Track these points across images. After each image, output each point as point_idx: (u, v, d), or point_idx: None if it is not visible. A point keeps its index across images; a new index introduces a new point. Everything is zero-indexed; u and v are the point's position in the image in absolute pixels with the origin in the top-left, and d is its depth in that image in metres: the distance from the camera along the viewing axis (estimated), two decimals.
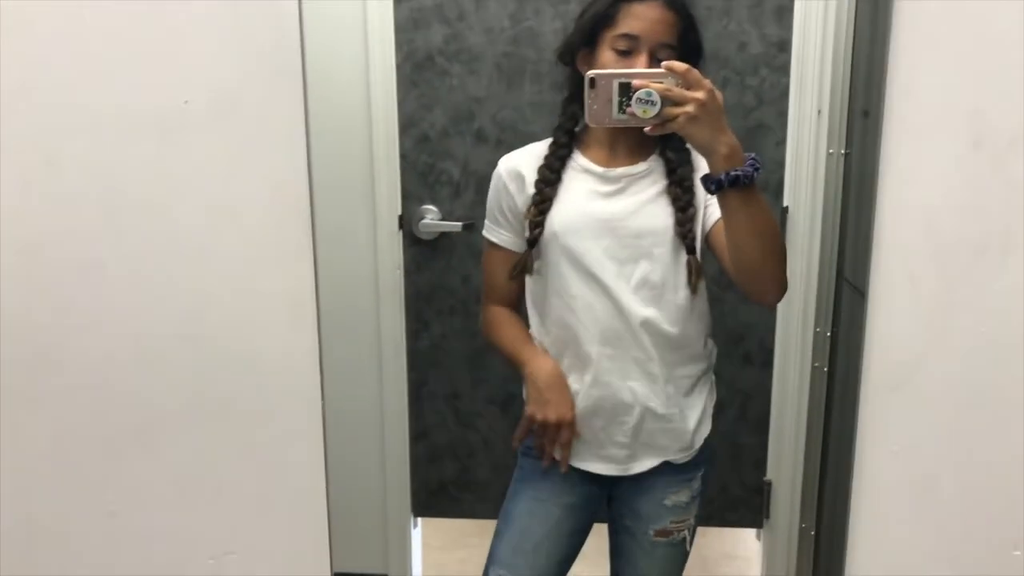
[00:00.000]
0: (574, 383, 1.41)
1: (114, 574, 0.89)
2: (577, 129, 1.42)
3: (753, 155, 1.20)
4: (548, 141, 1.44)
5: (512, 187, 1.43)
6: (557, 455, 1.42)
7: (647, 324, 1.36)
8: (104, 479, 0.89)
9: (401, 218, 2.16)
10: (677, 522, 1.48)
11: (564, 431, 1.39)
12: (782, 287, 1.33)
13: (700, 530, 2.64)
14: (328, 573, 0.90)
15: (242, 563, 0.89)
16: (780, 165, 2.08)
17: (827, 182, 2.01)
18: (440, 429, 2.33)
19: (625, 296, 1.35)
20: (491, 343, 1.50)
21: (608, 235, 1.35)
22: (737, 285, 1.33)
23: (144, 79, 0.82)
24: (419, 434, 2.33)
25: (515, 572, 1.42)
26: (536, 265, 1.42)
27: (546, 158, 1.41)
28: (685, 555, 1.53)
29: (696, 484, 1.50)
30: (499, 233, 1.47)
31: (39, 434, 0.88)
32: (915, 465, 0.75)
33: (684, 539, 1.51)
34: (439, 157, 2.15)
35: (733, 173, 1.17)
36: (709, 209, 1.36)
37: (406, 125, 2.12)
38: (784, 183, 2.09)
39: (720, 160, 1.17)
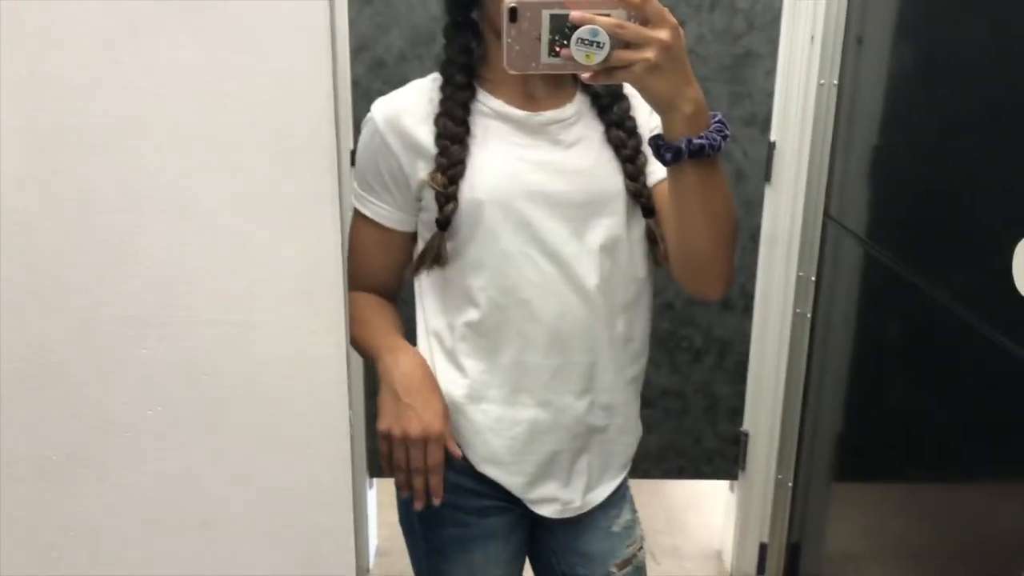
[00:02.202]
0: (505, 406, 1.10)
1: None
2: (473, 63, 1.08)
3: (718, 115, 0.93)
4: (433, 79, 1.10)
5: (396, 145, 1.07)
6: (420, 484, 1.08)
7: (601, 318, 1.08)
8: (41, 516, 0.69)
9: (354, 153, 1.94)
10: (632, 544, 1.24)
11: (432, 449, 1.05)
12: (729, 281, 1.06)
13: (670, 482, 2.60)
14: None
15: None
16: (769, 96, 1.94)
17: (816, 115, 1.88)
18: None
19: (572, 287, 1.06)
20: (352, 339, 1.11)
21: (545, 205, 1.04)
22: (673, 274, 1.07)
23: None
24: (373, 393, 2.16)
25: None
26: (449, 249, 1.07)
27: (444, 104, 1.06)
28: (644, 566, 1.29)
29: (628, 490, 1.26)
30: (375, 205, 1.10)
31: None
32: None
33: (643, 559, 1.27)
34: (396, 85, 1.92)
35: (697, 141, 0.90)
36: (649, 166, 1.10)
37: (358, 49, 1.88)
38: (772, 116, 1.95)
39: (682, 120, 0.89)
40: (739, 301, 2.08)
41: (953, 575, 1.45)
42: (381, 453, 1.10)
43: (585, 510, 1.18)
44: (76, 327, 0.68)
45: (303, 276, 0.68)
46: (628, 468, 1.23)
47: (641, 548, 1.27)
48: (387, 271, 1.15)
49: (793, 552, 2.18)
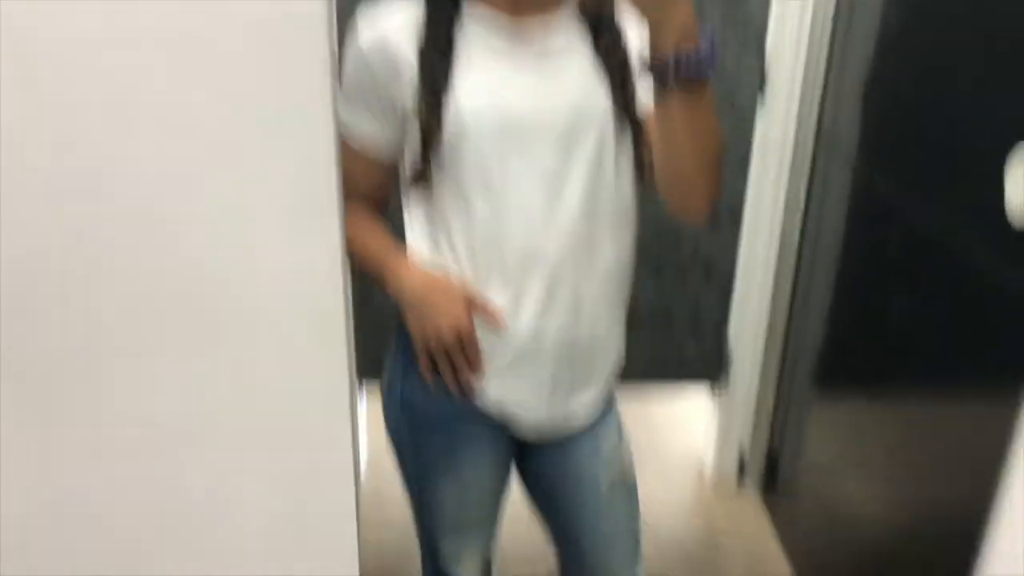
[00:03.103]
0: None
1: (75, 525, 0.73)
2: None
3: (710, 33, 0.90)
4: None
5: (380, 66, 1.04)
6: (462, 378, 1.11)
7: (587, 244, 1.07)
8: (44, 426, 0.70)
9: None
10: (621, 460, 1.26)
11: (468, 344, 1.08)
12: (713, 204, 1.06)
13: (648, 392, 2.66)
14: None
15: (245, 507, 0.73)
16: (763, 17, 1.89)
17: (811, 37, 1.85)
18: (383, 292, 2.17)
19: (559, 210, 1.04)
20: (349, 245, 1.05)
21: (532, 125, 1.02)
22: (659, 193, 1.07)
23: None
24: (363, 298, 2.17)
25: (467, 544, 1.27)
26: (434, 171, 1.06)
27: (428, 22, 1.03)
28: (636, 485, 1.30)
29: (617, 415, 1.27)
30: (360, 116, 1.07)
31: None
32: None
33: (634, 480, 1.29)
34: None
35: (685, 56, 0.87)
36: (638, 87, 1.07)
37: None
38: (767, 30, 1.91)
39: (671, 33, 0.86)
40: (727, 217, 2.08)
41: (929, 484, 1.50)
42: (424, 362, 1.12)
43: (568, 430, 1.20)
44: (70, 239, 0.67)
45: (297, 184, 0.67)
46: (612, 389, 1.24)
47: (631, 468, 1.28)
48: (372, 192, 1.14)
49: (772, 461, 2.26)
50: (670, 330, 2.21)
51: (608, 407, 1.24)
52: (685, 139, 0.96)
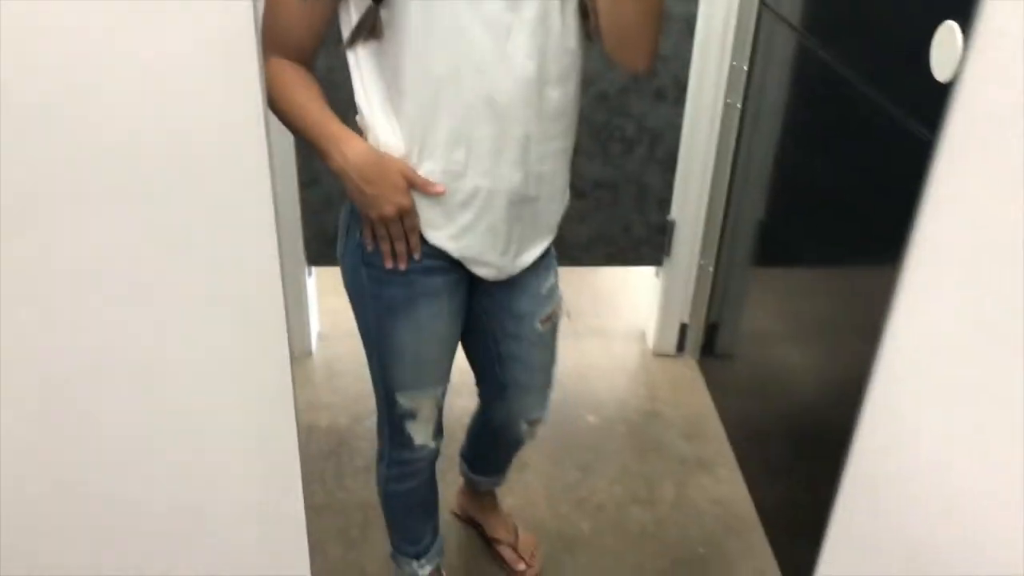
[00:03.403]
0: (445, 175, 1.13)
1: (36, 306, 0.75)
2: None
3: None
4: None
5: None
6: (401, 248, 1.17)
7: (535, 89, 1.10)
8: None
9: None
10: (554, 304, 1.38)
11: (408, 219, 1.14)
12: (654, 57, 1.14)
13: (598, 269, 2.73)
14: (283, 317, 0.78)
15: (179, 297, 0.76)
16: None
17: None
18: (331, 176, 2.15)
19: (509, 57, 1.06)
20: (275, 106, 1.11)
21: None
22: (604, 47, 1.12)
23: None
24: (309, 182, 2.16)
25: (423, 387, 1.33)
26: (384, 21, 1.05)
27: None
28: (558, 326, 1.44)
29: (554, 260, 1.37)
30: None
31: None
32: (976, 243, 0.68)
33: (560, 317, 1.41)
34: None
35: None
36: None
37: None
38: None
39: None
40: (672, 91, 2.09)
41: (859, 352, 1.59)
42: (367, 234, 1.18)
43: (516, 272, 1.27)
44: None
45: (215, 42, 0.67)
46: (555, 233, 1.31)
47: (560, 307, 1.41)
48: (310, 38, 1.12)
49: (711, 331, 2.35)
50: (617, 206, 2.25)
51: (548, 250, 1.33)
52: None
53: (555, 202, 1.26)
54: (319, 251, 2.29)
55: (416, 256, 1.19)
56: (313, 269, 2.38)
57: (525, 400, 1.47)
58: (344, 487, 1.96)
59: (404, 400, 1.34)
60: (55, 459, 0.85)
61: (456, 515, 1.87)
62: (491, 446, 1.64)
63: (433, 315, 1.26)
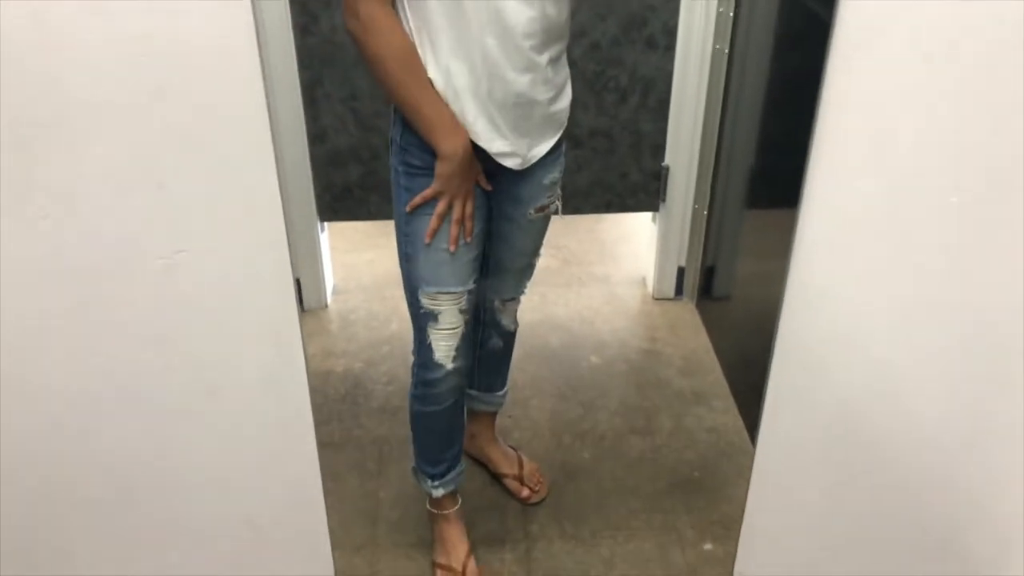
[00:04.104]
0: (471, 79, 1.30)
1: (52, 283, 0.85)
2: None
3: None
4: None
5: None
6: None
7: (533, 8, 1.26)
8: (26, 182, 0.81)
9: None
10: (551, 196, 1.55)
11: (468, 205, 1.40)
12: None
13: (597, 216, 2.82)
14: (288, 259, 0.89)
15: (195, 261, 0.86)
16: None
17: None
18: (340, 132, 2.26)
19: None
20: (393, 82, 1.29)
21: None
22: None
23: None
24: (317, 137, 2.26)
25: (443, 284, 1.46)
26: None
27: None
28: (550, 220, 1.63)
29: (563, 158, 1.54)
30: None
31: None
32: (875, 120, 0.77)
33: (557, 208, 1.59)
34: (609, 65, 2.12)
35: None
36: None
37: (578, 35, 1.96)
38: None
39: None
40: (662, 39, 2.16)
41: None
42: (423, 197, 1.39)
43: (530, 163, 1.45)
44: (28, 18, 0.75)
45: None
46: (564, 128, 1.48)
47: (556, 202, 1.57)
48: None
49: (708, 274, 2.44)
50: (612, 155, 2.34)
51: (559, 146, 1.50)
52: None
53: (560, 101, 1.43)
54: (331, 206, 2.39)
55: (467, 238, 1.43)
56: (325, 225, 2.49)
57: (502, 278, 1.66)
58: (360, 425, 2.08)
59: (426, 300, 1.47)
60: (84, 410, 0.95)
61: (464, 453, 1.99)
62: (477, 341, 1.77)
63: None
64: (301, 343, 0.99)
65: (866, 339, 0.83)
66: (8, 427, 0.95)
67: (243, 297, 0.91)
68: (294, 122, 2.18)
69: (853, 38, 0.75)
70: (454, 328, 1.51)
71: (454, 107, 1.32)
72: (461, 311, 1.50)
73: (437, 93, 1.31)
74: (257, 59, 0.77)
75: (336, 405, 2.14)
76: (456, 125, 1.33)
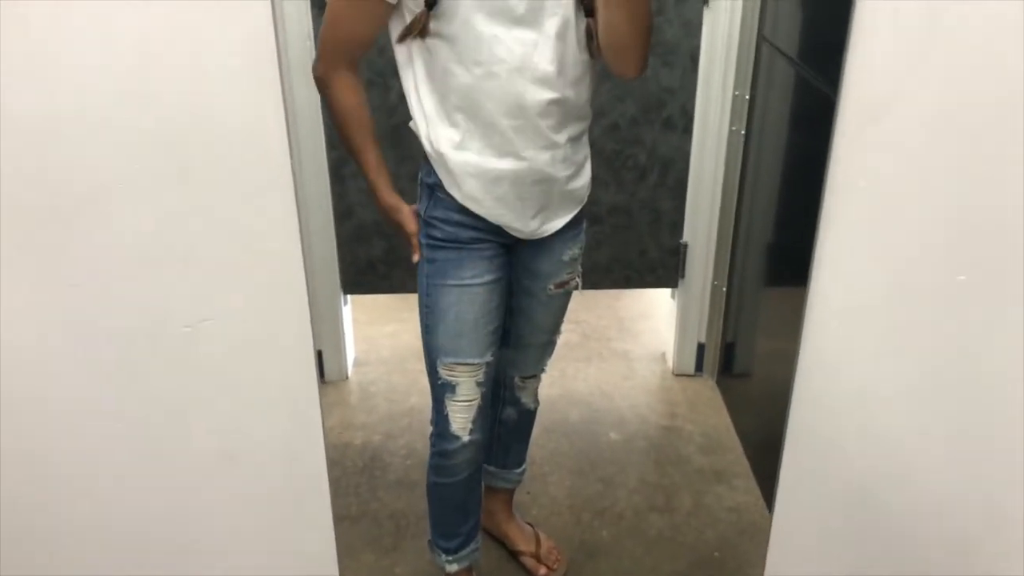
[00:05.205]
0: (482, 156, 1.35)
1: (80, 342, 0.88)
2: None
3: None
4: None
5: None
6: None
7: (554, 90, 1.31)
8: (58, 250, 0.85)
9: None
10: (571, 272, 1.58)
11: (411, 238, 1.48)
12: (644, 66, 1.36)
13: (617, 292, 2.84)
14: (309, 331, 0.91)
15: (219, 329, 0.88)
16: None
17: None
18: (365, 209, 2.32)
19: (535, 64, 1.28)
20: (342, 134, 1.43)
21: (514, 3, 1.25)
22: (603, 58, 1.35)
23: None
24: (344, 214, 2.32)
25: (461, 355, 1.48)
26: (432, 29, 1.27)
27: None
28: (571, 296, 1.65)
29: (583, 235, 1.57)
30: None
31: None
32: (880, 198, 0.79)
33: (577, 284, 1.61)
34: (628, 143, 2.18)
35: None
36: None
37: (598, 115, 2.02)
38: None
39: None
40: (680, 120, 2.22)
41: None
42: (413, 244, 1.48)
43: (544, 235, 1.49)
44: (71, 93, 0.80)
45: (242, 46, 0.80)
46: (583, 204, 1.52)
47: (577, 278, 1.60)
48: (363, 41, 1.37)
49: (727, 351, 2.44)
50: (631, 231, 2.37)
51: (579, 223, 1.53)
52: (621, 12, 1.27)
53: (579, 179, 1.47)
54: (355, 280, 2.44)
55: (416, 258, 1.48)
56: (348, 297, 2.53)
57: (522, 354, 1.67)
58: (377, 499, 2.07)
59: (444, 370, 1.49)
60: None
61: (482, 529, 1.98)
62: (496, 418, 1.77)
63: (476, 275, 1.46)
64: (320, 415, 1.01)
65: (878, 416, 0.84)
66: (25, 484, 0.97)
67: (264, 366, 0.94)
68: (321, 198, 2.24)
69: (856, 118, 0.78)
70: (471, 400, 1.52)
71: (461, 179, 1.38)
72: (478, 383, 1.51)
73: (378, 154, 1.45)
74: (286, 139, 0.81)
75: (354, 478, 2.14)
76: (389, 190, 1.46)
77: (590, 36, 1.33)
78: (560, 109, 1.34)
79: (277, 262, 0.87)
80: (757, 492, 2.08)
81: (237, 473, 0.97)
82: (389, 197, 1.47)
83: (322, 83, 1.39)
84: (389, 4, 1.30)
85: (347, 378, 2.52)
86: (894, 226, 0.79)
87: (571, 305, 1.66)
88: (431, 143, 1.37)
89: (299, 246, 0.85)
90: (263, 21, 0.76)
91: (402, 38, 1.31)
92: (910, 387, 0.84)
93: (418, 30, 1.27)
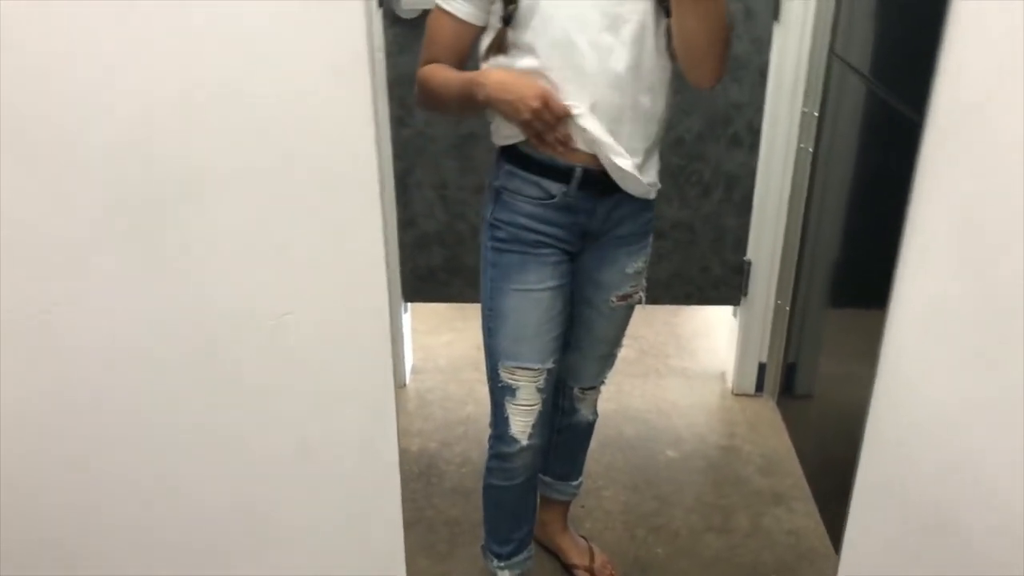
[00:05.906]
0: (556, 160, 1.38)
1: (171, 330, 0.91)
2: None
3: None
4: None
5: None
6: (559, 134, 1.35)
7: (631, 94, 1.33)
8: (157, 239, 0.88)
9: None
10: (635, 286, 1.57)
11: (552, 104, 1.31)
12: (721, 75, 1.35)
13: (675, 309, 2.82)
14: (387, 331, 0.93)
15: (301, 323, 0.91)
16: None
17: None
18: (428, 218, 2.34)
19: (611, 69, 1.31)
20: (430, 96, 1.40)
21: (588, 4, 1.28)
22: (678, 63, 1.35)
23: None
24: (407, 223, 2.35)
25: (522, 360, 1.49)
26: (511, 41, 1.32)
27: None
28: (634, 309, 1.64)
29: (649, 248, 1.56)
30: (455, 2, 1.35)
31: (83, 195, 0.86)
32: (965, 217, 0.77)
33: (641, 299, 1.60)
34: (694, 159, 2.17)
35: None
36: None
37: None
38: None
39: None
40: (747, 137, 2.20)
41: None
42: (530, 137, 1.36)
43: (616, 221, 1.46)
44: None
45: (336, 46, 0.82)
46: (649, 203, 1.50)
47: (640, 292, 1.58)
48: (456, 59, 1.39)
49: (789, 371, 2.40)
50: (694, 247, 2.36)
51: (646, 236, 1.53)
52: (695, 19, 1.26)
53: (648, 182, 1.44)
54: (415, 288, 2.46)
55: (565, 146, 1.36)
56: (408, 305, 2.55)
57: (582, 366, 1.66)
58: (433, 505, 2.08)
59: (505, 374, 1.50)
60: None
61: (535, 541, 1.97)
62: (555, 428, 1.76)
63: (539, 280, 1.46)
64: (394, 412, 1.02)
65: (960, 436, 0.82)
66: (110, 467, 1.00)
67: (343, 362, 0.95)
68: (386, 208, 2.27)
69: (946, 128, 0.76)
70: (531, 405, 1.52)
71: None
72: (539, 389, 1.52)
73: (460, 74, 1.37)
74: (373, 139, 0.84)
75: (409, 484, 2.15)
76: (484, 70, 1.36)
77: (670, 38, 1.34)
78: (633, 114, 1.35)
79: (360, 260, 0.89)
80: (817, 516, 2.04)
81: (313, 466, 0.99)
82: (489, 73, 1.36)
83: (419, 86, 1.41)
84: (478, 27, 1.36)
85: (405, 385, 2.54)
86: (978, 244, 0.77)
87: None
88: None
89: (382, 245, 0.87)
90: (356, 21, 0.79)
91: (486, 56, 1.36)
92: (995, 406, 0.82)
93: (498, 46, 1.33)
